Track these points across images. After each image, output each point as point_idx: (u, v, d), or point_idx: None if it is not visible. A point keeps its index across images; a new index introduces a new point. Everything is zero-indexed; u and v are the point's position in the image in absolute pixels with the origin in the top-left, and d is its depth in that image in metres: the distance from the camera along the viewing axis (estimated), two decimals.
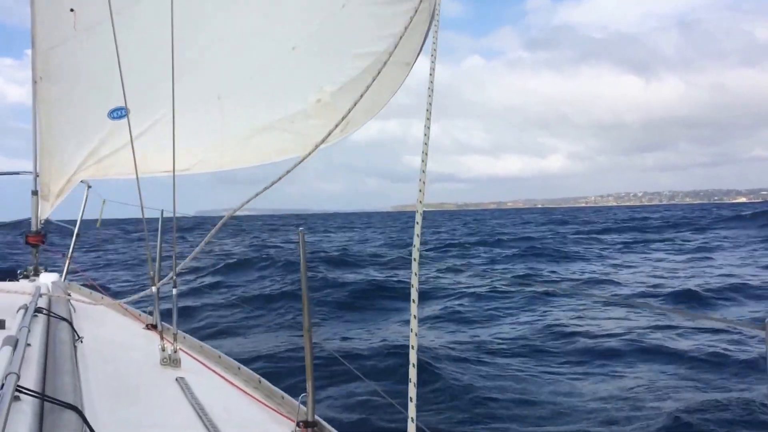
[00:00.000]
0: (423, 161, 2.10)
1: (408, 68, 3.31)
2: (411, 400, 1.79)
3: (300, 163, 3.02)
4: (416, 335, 1.85)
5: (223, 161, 4.07)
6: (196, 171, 4.13)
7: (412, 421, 1.77)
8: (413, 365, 1.83)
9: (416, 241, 2.00)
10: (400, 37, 3.06)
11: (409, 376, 1.81)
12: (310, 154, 3.02)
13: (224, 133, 3.96)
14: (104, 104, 4.14)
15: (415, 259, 1.98)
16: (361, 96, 2.80)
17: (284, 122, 3.74)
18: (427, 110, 2.24)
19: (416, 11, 3.10)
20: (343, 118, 2.82)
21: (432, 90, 2.29)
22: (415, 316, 1.88)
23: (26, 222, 4.97)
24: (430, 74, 2.30)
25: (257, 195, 3.09)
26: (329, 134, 2.90)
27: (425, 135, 2.13)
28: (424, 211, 2.02)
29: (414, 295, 1.91)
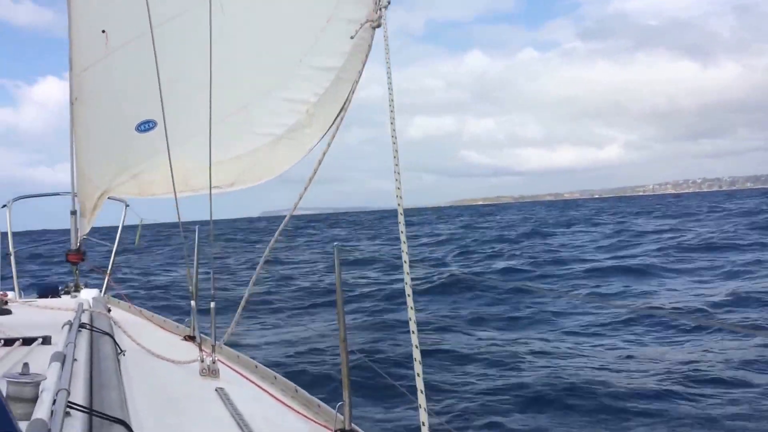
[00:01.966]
0: (395, 157, 2.30)
1: (353, 84, 3.64)
2: (420, 392, 1.96)
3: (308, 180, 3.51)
4: (414, 322, 1.98)
5: (256, 174, 4.25)
6: (236, 188, 4.29)
7: (424, 410, 1.92)
8: (417, 361, 1.98)
9: (402, 226, 2.14)
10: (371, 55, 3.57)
11: (416, 371, 1.98)
12: (319, 163, 3.55)
13: (252, 146, 4.15)
14: (133, 120, 4.26)
15: (404, 251, 2.10)
16: (343, 109, 3.50)
17: (290, 132, 4.01)
18: (391, 122, 2.50)
19: (359, 36, 3.53)
20: (331, 126, 3.39)
21: (392, 101, 2.56)
22: (411, 308, 2.02)
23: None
24: (389, 90, 2.61)
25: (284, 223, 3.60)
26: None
27: (393, 143, 2.33)
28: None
29: (408, 290, 2.05)
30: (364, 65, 3.57)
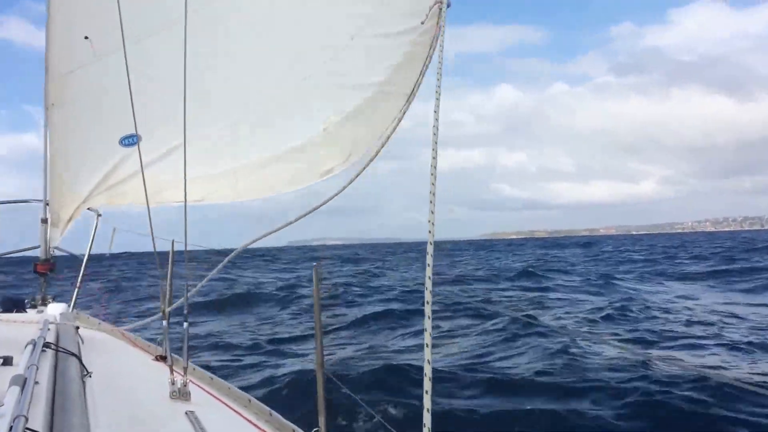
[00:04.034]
0: (432, 192, 2.06)
1: (406, 98, 3.27)
2: (427, 411, 1.80)
3: (327, 201, 3.25)
4: (430, 334, 1.87)
5: (237, 191, 4.02)
6: (209, 201, 4.07)
7: (425, 426, 1.77)
8: (428, 361, 1.84)
9: (429, 254, 1.99)
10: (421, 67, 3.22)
11: (424, 386, 1.83)
12: (338, 193, 3.28)
13: (237, 163, 3.92)
14: (117, 131, 4.05)
15: (429, 278, 1.98)
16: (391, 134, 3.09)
17: (295, 152, 3.73)
18: (434, 139, 2.23)
19: (414, 44, 3.19)
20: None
21: (437, 118, 2.28)
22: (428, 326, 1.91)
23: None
24: (435, 111, 2.30)
25: (278, 230, 3.18)
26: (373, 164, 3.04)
27: (432, 174, 2.09)
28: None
29: (427, 311, 1.92)
30: (422, 73, 3.18)
